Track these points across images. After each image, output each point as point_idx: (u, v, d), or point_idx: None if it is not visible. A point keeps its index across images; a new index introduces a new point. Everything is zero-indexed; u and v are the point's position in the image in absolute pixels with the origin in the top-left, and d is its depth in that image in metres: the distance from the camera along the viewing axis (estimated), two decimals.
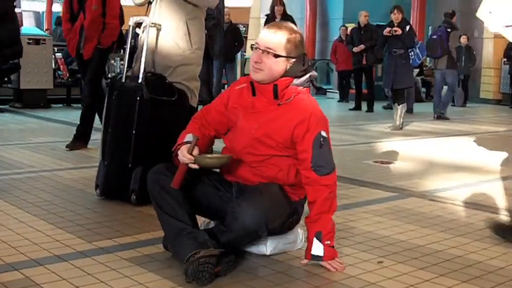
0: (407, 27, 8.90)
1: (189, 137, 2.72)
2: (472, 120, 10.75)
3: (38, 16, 25.05)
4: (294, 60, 2.71)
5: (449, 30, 10.33)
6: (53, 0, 24.71)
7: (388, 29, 8.89)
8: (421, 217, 3.71)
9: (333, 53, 13.60)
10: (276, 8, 9.95)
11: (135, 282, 2.46)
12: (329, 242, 2.68)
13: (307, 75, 2.76)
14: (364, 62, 11.52)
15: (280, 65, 2.68)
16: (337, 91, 14.44)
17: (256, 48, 2.69)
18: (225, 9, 10.63)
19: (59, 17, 16.62)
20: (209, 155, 2.75)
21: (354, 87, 12.48)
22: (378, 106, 11.62)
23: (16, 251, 2.80)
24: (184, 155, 2.62)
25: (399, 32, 8.76)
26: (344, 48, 12.88)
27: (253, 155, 2.73)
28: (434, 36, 10.47)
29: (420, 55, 9.44)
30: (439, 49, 10.38)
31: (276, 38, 2.67)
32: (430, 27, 17.95)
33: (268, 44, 2.66)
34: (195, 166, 2.62)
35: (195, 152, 2.63)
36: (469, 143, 7.60)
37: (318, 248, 2.67)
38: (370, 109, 11.55)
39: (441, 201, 4.15)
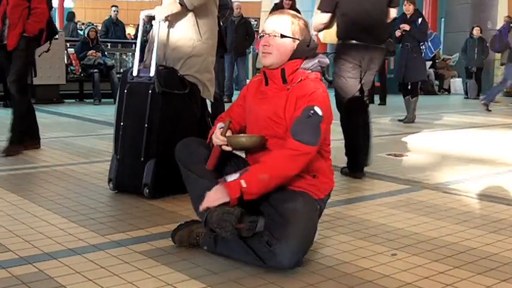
0: (420, 20, 8.75)
1: (220, 125, 2.78)
2: (486, 112, 10.67)
3: None
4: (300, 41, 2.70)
5: (511, 25, 10.56)
6: None
7: (398, 31, 8.71)
8: (435, 209, 3.68)
9: None
10: (284, 1, 9.94)
11: (148, 275, 2.47)
12: (244, 184, 2.47)
13: (316, 60, 2.73)
14: None
15: (288, 46, 2.67)
16: None
17: (263, 35, 2.71)
18: (237, 3, 10.64)
19: (71, 12, 16.69)
20: (241, 134, 2.81)
21: None
22: (390, 99, 11.57)
23: (30, 244, 2.82)
24: (217, 137, 2.71)
25: (407, 28, 8.59)
26: None
27: (270, 136, 2.69)
28: (497, 32, 10.98)
29: (432, 48, 9.39)
30: (497, 44, 10.80)
31: (280, 21, 2.70)
32: (442, 20, 17.85)
33: (274, 27, 2.69)
34: (229, 148, 2.70)
35: (228, 134, 2.71)
36: (483, 135, 7.55)
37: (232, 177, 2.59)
38: (382, 102, 11.50)
39: (455, 194, 4.13)
